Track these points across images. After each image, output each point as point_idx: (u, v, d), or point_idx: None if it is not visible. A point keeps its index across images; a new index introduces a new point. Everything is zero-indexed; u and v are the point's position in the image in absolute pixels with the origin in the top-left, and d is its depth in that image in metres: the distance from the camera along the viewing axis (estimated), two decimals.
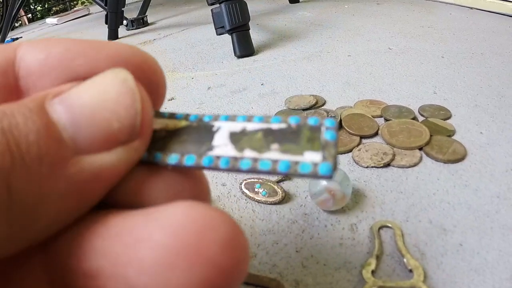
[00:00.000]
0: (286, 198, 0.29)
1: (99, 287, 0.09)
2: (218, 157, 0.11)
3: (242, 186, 0.31)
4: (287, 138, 0.11)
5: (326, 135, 0.10)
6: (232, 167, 0.11)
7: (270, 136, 0.11)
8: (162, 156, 0.11)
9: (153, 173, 0.12)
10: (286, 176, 0.11)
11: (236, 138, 0.11)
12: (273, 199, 0.29)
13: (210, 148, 0.11)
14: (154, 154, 0.12)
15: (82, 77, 0.12)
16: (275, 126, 0.11)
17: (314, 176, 0.10)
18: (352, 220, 0.27)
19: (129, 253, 0.09)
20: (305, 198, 0.29)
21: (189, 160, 0.11)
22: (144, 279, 0.09)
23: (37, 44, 0.12)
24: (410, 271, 0.22)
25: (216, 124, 0.12)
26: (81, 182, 0.10)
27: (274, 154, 0.10)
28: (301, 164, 0.10)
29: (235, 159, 0.11)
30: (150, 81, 0.13)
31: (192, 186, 0.12)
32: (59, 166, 0.09)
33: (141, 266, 0.09)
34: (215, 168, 0.11)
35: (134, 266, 0.09)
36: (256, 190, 0.30)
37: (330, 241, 0.25)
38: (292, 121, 0.11)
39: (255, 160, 0.10)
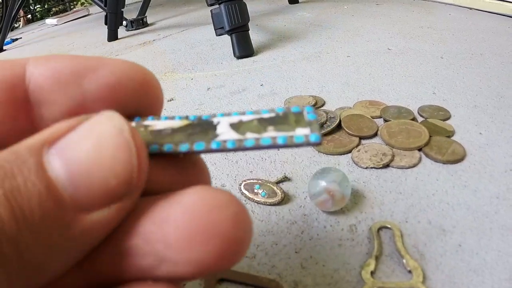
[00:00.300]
0: (285, 199, 0.29)
1: (133, 265, 0.11)
2: (224, 141, 0.13)
3: (242, 187, 0.31)
4: (278, 122, 0.13)
5: (309, 116, 0.13)
6: (239, 146, 0.12)
7: (264, 122, 0.13)
8: (173, 146, 0.13)
9: (166, 166, 0.13)
10: (284, 147, 0.12)
11: (236, 126, 0.13)
12: (273, 200, 0.29)
13: (215, 135, 0.13)
14: (165, 145, 0.13)
15: (88, 93, 0.12)
16: (265, 115, 0.13)
17: (307, 144, 0.12)
18: (351, 221, 0.27)
19: (158, 231, 0.11)
20: (305, 199, 0.29)
21: (198, 146, 0.13)
22: (171, 253, 0.11)
23: (45, 60, 0.13)
24: (409, 271, 0.22)
25: (215, 119, 0.13)
26: (82, 238, 0.10)
27: (271, 133, 0.13)
28: (295, 137, 0.12)
29: (240, 140, 0.12)
30: (150, 95, 0.14)
31: (197, 172, 0.14)
32: (62, 226, 0.10)
33: (168, 242, 0.11)
34: (224, 150, 0.12)
35: (163, 242, 0.11)
36: (255, 191, 0.30)
37: (329, 242, 0.25)
38: (279, 110, 0.13)
39: (257, 139, 0.12)
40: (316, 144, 0.12)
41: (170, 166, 0.13)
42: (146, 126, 0.14)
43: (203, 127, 0.13)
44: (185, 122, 0.13)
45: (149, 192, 0.12)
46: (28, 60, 0.13)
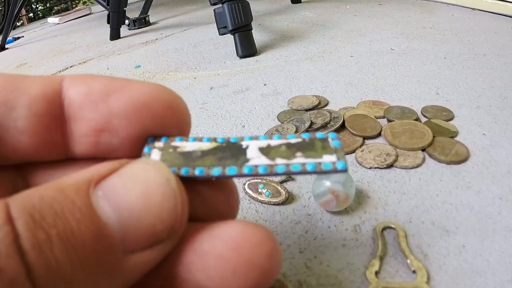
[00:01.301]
0: (289, 198, 0.29)
1: (174, 287, 0.12)
2: (256, 166, 0.13)
3: (246, 186, 0.31)
4: (305, 148, 0.14)
5: (334, 143, 0.14)
6: (270, 171, 0.13)
7: (292, 148, 0.14)
8: (205, 170, 0.13)
9: (201, 192, 0.14)
10: (313, 173, 0.13)
11: (265, 151, 0.14)
12: (277, 200, 0.29)
13: (246, 160, 0.13)
14: (197, 169, 0.13)
15: (113, 111, 0.13)
16: (293, 141, 0.14)
17: (335, 171, 0.13)
18: (356, 221, 0.27)
19: (199, 262, 0.12)
20: (309, 199, 0.29)
21: (231, 170, 0.13)
22: (210, 283, 0.12)
23: (80, 78, 0.14)
24: (414, 272, 0.22)
25: (244, 143, 0.14)
26: (129, 276, 0.11)
27: (300, 159, 0.13)
28: (323, 164, 0.13)
29: (271, 166, 0.13)
30: (176, 118, 0.15)
31: (226, 197, 0.15)
32: (111, 266, 0.10)
33: (209, 272, 0.12)
34: (255, 174, 0.13)
35: (203, 272, 0.12)
36: (259, 190, 0.30)
37: (333, 242, 0.25)
38: (305, 136, 0.14)
39: (287, 165, 0.13)
40: (342, 172, 0.13)
41: (203, 186, 0.14)
42: (175, 148, 0.14)
43: (233, 151, 0.14)
44: (213, 144, 0.14)
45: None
46: (64, 77, 0.14)
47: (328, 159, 0.13)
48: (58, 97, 0.13)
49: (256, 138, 0.14)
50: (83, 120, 0.14)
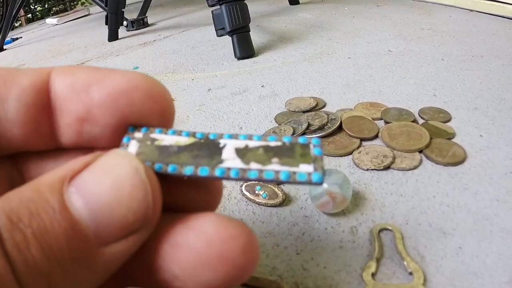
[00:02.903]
0: (286, 200, 0.29)
1: (152, 278, 0.13)
2: (229, 169, 0.13)
3: (243, 188, 0.31)
4: (284, 153, 0.13)
5: (315, 151, 0.13)
6: (242, 176, 0.13)
7: (270, 152, 0.13)
8: (178, 168, 0.13)
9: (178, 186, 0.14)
10: (286, 183, 0.13)
11: (242, 153, 0.13)
12: (274, 202, 0.29)
13: (220, 161, 0.13)
14: (170, 166, 0.13)
15: (94, 101, 0.13)
16: (272, 143, 0.13)
17: (309, 183, 0.12)
18: (352, 223, 0.27)
19: (174, 254, 0.12)
20: (306, 200, 0.29)
21: (203, 171, 0.13)
22: (183, 274, 0.12)
23: (66, 70, 0.14)
24: (410, 274, 0.22)
25: (222, 141, 0.14)
26: (104, 267, 0.11)
27: (275, 166, 0.13)
28: (298, 174, 0.12)
29: (244, 170, 0.13)
30: (160, 107, 0.14)
31: (206, 186, 0.15)
32: (87, 260, 0.11)
33: (182, 265, 0.12)
34: (227, 178, 0.13)
35: (177, 264, 0.12)
36: (256, 192, 0.30)
37: (330, 243, 0.25)
38: (286, 139, 0.13)
39: (260, 171, 0.13)
40: (317, 184, 0.12)
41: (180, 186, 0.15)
42: (153, 140, 0.14)
43: (210, 149, 0.13)
44: (191, 140, 0.14)
45: (164, 202, 0.13)
46: (53, 69, 0.14)
47: (304, 169, 0.12)
48: (46, 88, 0.14)
49: (235, 136, 0.14)
50: (67, 110, 0.14)
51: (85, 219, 0.11)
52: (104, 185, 0.11)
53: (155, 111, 0.14)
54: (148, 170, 0.12)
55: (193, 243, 0.12)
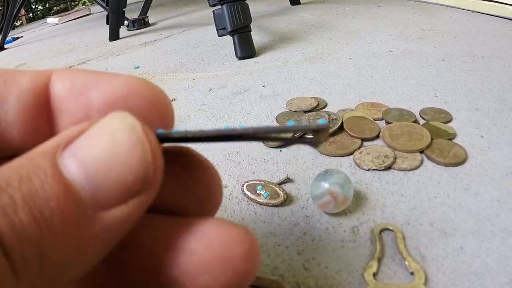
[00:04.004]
0: (287, 200, 0.29)
1: (154, 280, 0.12)
2: (235, 128, 0.12)
3: (244, 188, 0.31)
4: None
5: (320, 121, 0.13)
6: (248, 129, 0.12)
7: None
8: (182, 132, 0.12)
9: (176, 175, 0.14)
10: (295, 130, 0.12)
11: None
12: (275, 201, 0.29)
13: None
14: (173, 131, 0.13)
15: (93, 104, 0.13)
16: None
17: (316, 126, 0.12)
18: (354, 223, 0.27)
19: (174, 258, 0.12)
20: (307, 200, 0.29)
21: (208, 131, 0.12)
22: (183, 278, 0.12)
23: (67, 72, 0.14)
24: (411, 273, 0.22)
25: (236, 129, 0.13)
26: (104, 235, 0.10)
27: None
28: (303, 121, 0.12)
29: (252, 127, 0.12)
30: (160, 112, 0.14)
31: (207, 185, 0.15)
32: (83, 226, 0.10)
33: (182, 269, 0.12)
34: (233, 131, 0.12)
35: (178, 268, 0.12)
36: (257, 192, 0.30)
37: (331, 243, 0.25)
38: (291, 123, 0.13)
39: (267, 126, 0.12)
40: (324, 128, 0.12)
41: (181, 173, 0.14)
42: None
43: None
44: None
45: (165, 204, 0.13)
46: (53, 71, 0.14)
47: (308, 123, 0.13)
48: (46, 89, 0.14)
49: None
50: (66, 113, 0.14)
51: (79, 181, 0.10)
52: (99, 145, 0.11)
53: (154, 116, 0.14)
54: (145, 127, 0.11)
55: (194, 247, 0.12)
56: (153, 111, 0.14)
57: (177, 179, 0.14)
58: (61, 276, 0.10)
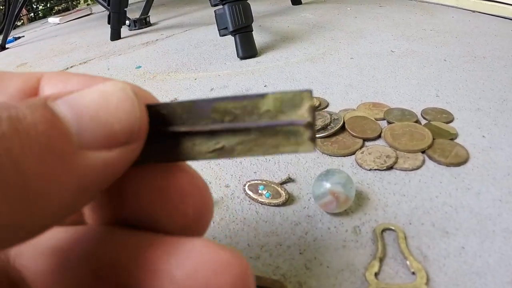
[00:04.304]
0: (289, 200, 0.29)
1: None
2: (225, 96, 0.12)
3: (246, 187, 0.31)
4: None
5: None
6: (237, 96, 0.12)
7: None
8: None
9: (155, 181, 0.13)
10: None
11: None
12: (277, 201, 0.29)
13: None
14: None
15: None
16: None
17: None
18: (355, 223, 0.27)
19: (152, 281, 0.11)
20: (309, 200, 0.29)
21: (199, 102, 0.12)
22: None
23: (56, 76, 0.13)
24: (413, 273, 0.22)
25: None
26: (85, 174, 0.10)
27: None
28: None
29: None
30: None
31: (196, 201, 0.13)
32: (67, 157, 0.10)
33: None
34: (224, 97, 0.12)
35: None
36: (259, 191, 0.30)
37: (333, 243, 0.25)
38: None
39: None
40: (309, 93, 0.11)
41: (170, 190, 0.13)
42: None
43: None
44: None
45: (148, 220, 0.13)
46: (43, 74, 0.14)
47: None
48: (35, 94, 0.13)
49: None
50: None
51: (68, 118, 0.10)
52: (90, 97, 0.11)
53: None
54: (136, 89, 0.12)
55: (175, 271, 0.11)
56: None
57: (165, 195, 0.13)
58: (38, 204, 0.09)
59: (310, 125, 0.12)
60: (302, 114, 0.12)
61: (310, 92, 0.11)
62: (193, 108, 0.12)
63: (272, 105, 0.12)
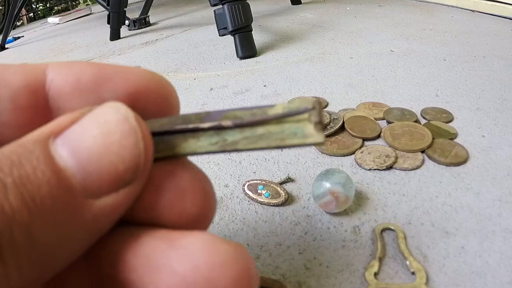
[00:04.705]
0: (289, 200, 0.29)
1: None
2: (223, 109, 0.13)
3: (245, 187, 0.31)
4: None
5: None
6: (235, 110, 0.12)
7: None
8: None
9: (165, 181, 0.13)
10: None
11: None
12: (276, 201, 0.29)
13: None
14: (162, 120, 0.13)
15: (106, 100, 0.12)
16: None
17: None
18: (355, 223, 0.27)
19: (153, 275, 0.11)
20: (308, 200, 0.29)
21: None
22: None
23: (66, 66, 0.13)
24: (413, 273, 0.22)
25: None
26: (93, 221, 0.10)
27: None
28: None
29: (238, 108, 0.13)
30: (167, 104, 0.14)
31: (197, 197, 0.13)
32: (73, 212, 0.10)
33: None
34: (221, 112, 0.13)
35: (156, 287, 0.10)
36: (259, 191, 0.30)
37: (333, 243, 0.25)
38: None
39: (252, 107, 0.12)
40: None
41: (171, 185, 0.13)
42: None
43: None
44: None
45: (149, 216, 0.12)
46: (47, 65, 0.13)
47: None
48: (42, 88, 0.13)
49: None
50: (72, 110, 0.13)
51: (71, 168, 0.10)
52: (91, 134, 0.10)
53: (166, 109, 0.14)
54: (138, 117, 0.11)
55: (176, 266, 0.10)
56: (164, 103, 0.14)
57: (167, 191, 0.13)
58: (49, 263, 0.10)
59: (315, 114, 0.12)
60: (306, 106, 0.12)
61: (317, 100, 0.12)
62: (205, 117, 0.13)
63: (281, 111, 0.12)
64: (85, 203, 0.10)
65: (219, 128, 0.12)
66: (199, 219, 0.13)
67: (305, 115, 0.12)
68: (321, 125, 0.12)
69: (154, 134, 0.13)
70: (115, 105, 0.11)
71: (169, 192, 0.13)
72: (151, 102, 0.14)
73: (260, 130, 0.12)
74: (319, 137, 0.11)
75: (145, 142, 0.11)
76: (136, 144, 0.11)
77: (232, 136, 0.12)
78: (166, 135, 0.13)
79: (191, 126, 0.13)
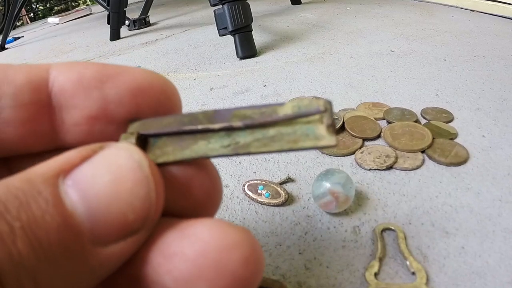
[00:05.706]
0: (289, 200, 0.29)
1: None
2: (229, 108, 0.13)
3: (245, 187, 0.31)
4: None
5: None
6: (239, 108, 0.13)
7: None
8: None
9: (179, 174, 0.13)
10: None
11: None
12: (276, 201, 0.29)
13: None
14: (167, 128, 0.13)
15: (109, 98, 0.13)
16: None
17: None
18: (355, 223, 0.27)
19: (166, 264, 0.11)
20: (308, 200, 0.29)
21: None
22: (176, 286, 0.11)
23: (69, 66, 0.13)
24: (413, 273, 0.22)
25: None
26: (100, 267, 0.10)
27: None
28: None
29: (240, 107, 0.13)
30: (169, 102, 0.14)
31: (204, 185, 0.13)
32: (80, 259, 0.10)
33: (175, 276, 0.11)
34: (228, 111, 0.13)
35: (170, 275, 0.11)
36: (259, 191, 0.30)
37: (333, 243, 0.25)
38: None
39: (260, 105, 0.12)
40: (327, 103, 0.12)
41: (178, 175, 0.13)
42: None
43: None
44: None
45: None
46: (50, 65, 0.13)
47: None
48: (45, 85, 0.13)
49: None
50: (76, 108, 0.13)
51: (80, 214, 0.10)
52: (103, 179, 0.10)
53: (168, 107, 0.14)
54: (152, 165, 0.11)
55: (188, 252, 0.11)
56: (166, 101, 0.14)
57: (174, 181, 0.13)
58: None
59: (328, 116, 0.11)
60: (318, 107, 0.12)
61: (329, 101, 0.12)
62: (213, 116, 0.13)
63: (291, 110, 0.12)
64: (93, 250, 0.10)
65: (229, 129, 0.12)
66: (206, 204, 0.13)
67: (316, 116, 0.12)
68: (334, 128, 0.11)
69: (162, 134, 0.13)
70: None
71: (180, 181, 0.13)
72: (153, 100, 0.14)
73: (271, 131, 0.12)
74: (332, 139, 0.11)
75: (157, 193, 0.11)
76: (148, 195, 0.11)
77: (243, 138, 0.12)
78: (174, 135, 0.13)
79: (200, 127, 0.12)
